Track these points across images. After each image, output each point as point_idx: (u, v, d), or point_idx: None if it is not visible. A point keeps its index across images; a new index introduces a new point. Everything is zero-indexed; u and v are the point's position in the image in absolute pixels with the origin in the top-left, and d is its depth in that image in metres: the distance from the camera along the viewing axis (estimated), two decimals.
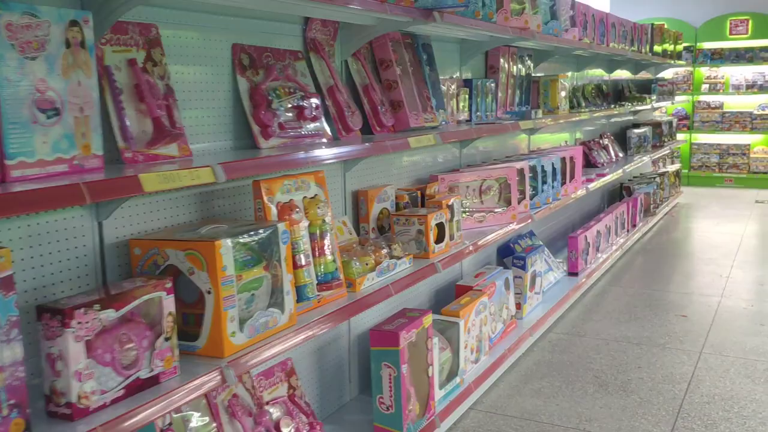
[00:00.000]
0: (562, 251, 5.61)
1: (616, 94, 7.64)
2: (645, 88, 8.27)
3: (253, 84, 2.47)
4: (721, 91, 11.05)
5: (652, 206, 7.57)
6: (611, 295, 5.35)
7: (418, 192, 3.43)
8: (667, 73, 10.94)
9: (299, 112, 2.59)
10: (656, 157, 7.71)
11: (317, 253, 2.37)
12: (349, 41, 2.98)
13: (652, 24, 7.69)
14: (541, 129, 5.20)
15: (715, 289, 5.43)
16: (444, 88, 3.74)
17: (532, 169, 4.24)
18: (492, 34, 3.71)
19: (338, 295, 2.44)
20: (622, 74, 8.07)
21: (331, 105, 2.80)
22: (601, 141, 6.98)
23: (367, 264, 2.66)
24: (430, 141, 2.88)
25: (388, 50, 3.19)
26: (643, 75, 8.98)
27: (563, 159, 4.72)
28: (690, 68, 11.20)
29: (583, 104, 6.12)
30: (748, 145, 10.83)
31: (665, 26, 8.76)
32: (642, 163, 7.20)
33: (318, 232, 2.37)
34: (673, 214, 8.61)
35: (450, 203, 3.26)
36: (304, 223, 2.32)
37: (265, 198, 2.21)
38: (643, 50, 7.14)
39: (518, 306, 4.26)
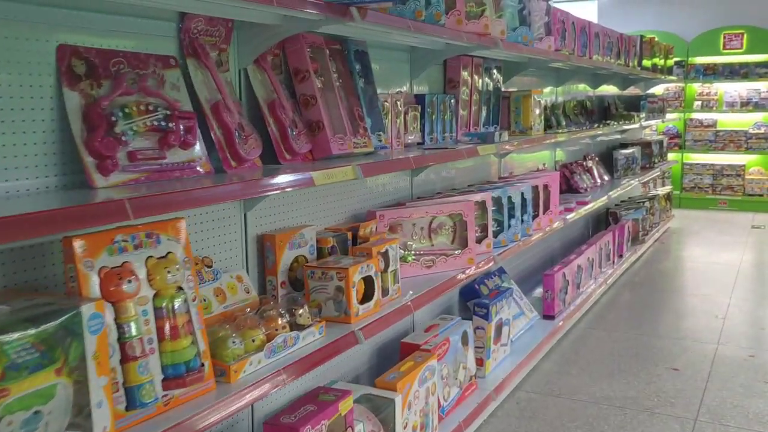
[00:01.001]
0: (539, 287, 4.94)
1: (602, 111, 7.02)
2: (633, 105, 7.66)
3: (89, 100, 1.81)
4: (714, 108, 10.46)
5: (640, 234, 6.93)
6: (592, 340, 4.69)
7: (349, 233, 2.77)
8: (658, 89, 10.35)
9: (162, 138, 1.93)
10: (645, 179, 7.09)
11: (167, 336, 1.70)
12: (249, 45, 2.33)
13: (641, 36, 7.09)
14: (517, 150, 4.56)
15: (711, 333, 4.78)
16: (387, 104, 3.09)
17: (497, 201, 3.59)
18: (443, 39, 3.08)
19: (199, 392, 1.77)
20: (609, 90, 7.46)
21: (215, 127, 2.14)
22: (585, 163, 6.35)
23: (253, 340, 1.99)
24: (346, 175, 2.22)
25: (304, 58, 2.53)
26: (632, 91, 8.38)
27: (536, 188, 4.07)
28: (681, 84, 10.61)
29: (564, 123, 5.49)
30: (743, 165, 10.23)
31: (656, 39, 8.17)
32: (630, 187, 6.57)
33: (168, 305, 1.71)
34: (663, 241, 7.98)
35: (383, 250, 2.60)
36: (147, 294, 1.65)
37: (80, 262, 1.55)
38: (630, 64, 6.54)
39: (480, 362, 3.60)
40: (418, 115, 3.45)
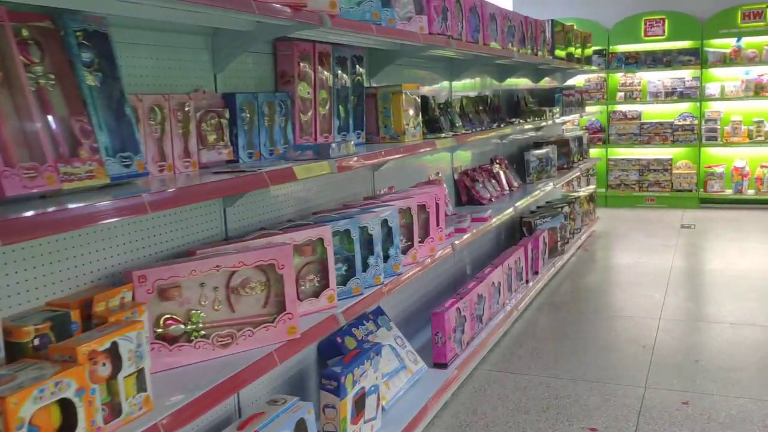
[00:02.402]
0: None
1: (512, 107, 6.19)
2: (548, 99, 6.86)
3: None
4: (638, 99, 9.81)
5: (559, 244, 6.13)
6: (496, 390, 3.81)
7: (76, 311, 1.79)
8: (578, 81, 9.65)
9: None
10: (561, 183, 6.29)
11: None
12: None
13: (553, 20, 6.29)
14: (405, 156, 3.65)
15: (638, 370, 3.97)
16: (140, 108, 2.12)
17: (342, 235, 2.66)
18: (243, 16, 2.13)
19: None
20: (520, 83, 6.65)
21: None
22: (491, 168, 5.50)
23: None
24: None
25: None
26: (550, 83, 7.60)
27: (407, 210, 3.16)
28: (603, 74, 9.93)
29: (459, 123, 4.60)
30: (670, 159, 9.61)
31: (574, 27, 7.40)
32: (542, 193, 5.74)
33: None
34: (587, 248, 7.22)
35: (105, 347, 1.62)
36: None
37: None
38: (540, 53, 5.71)
39: None
40: (226, 122, 2.48)
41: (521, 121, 5.22)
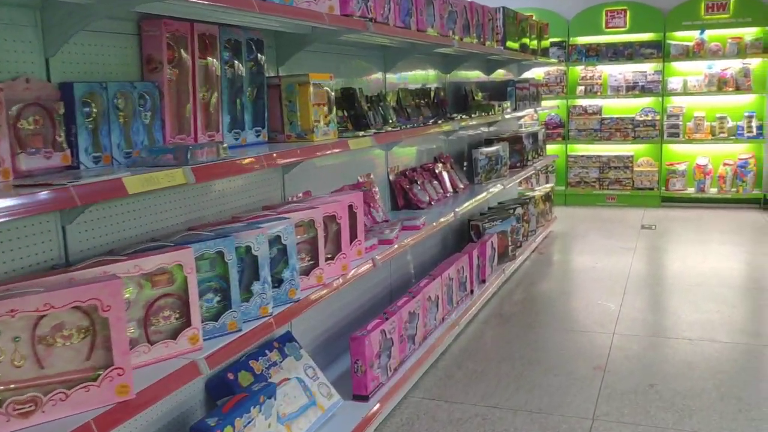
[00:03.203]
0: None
1: (459, 101, 5.73)
2: (500, 93, 6.42)
3: None
4: (598, 93, 9.43)
5: (510, 248, 5.69)
6: (424, 425, 3.35)
7: None
8: (538, 74, 9.24)
9: None
10: (512, 183, 5.83)
11: None
12: None
13: (504, 8, 5.82)
14: (328, 155, 3.17)
15: (586, 399, 3.53)
16: None
17: (214, 259, 2.16)
18: None
19: None
20: (471, 75, 6.19)
21: None
22: (434, 167, 5.02)
23: None
24: None
25: None
26: (506, 76, 7.16)
27: (310, 223, 2.66)
28: (563, 67, 9.53)
29: (393, 119, 4.13)
30: (631, 156, 9.25)
31: (533, 17, 6.96)
32: (491, 195, 5.29)
33: None
34: (542, 251, 6.80)
35: None
36: None
37: None
38: (488, 43, 5.25)
39: None
40: (60, 119, 1.97)
41: (464, 116, 4.75)
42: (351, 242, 3.06)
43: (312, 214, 2.64)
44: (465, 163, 5.85)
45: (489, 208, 6.24)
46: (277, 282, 2.44)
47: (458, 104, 5.67)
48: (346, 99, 3.74)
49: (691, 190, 8.98)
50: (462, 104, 5.70)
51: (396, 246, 3.43)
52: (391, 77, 4.50)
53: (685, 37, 8.96)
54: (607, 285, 5.55)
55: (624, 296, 5.24)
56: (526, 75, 8.00)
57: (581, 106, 9.50)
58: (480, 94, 5.86)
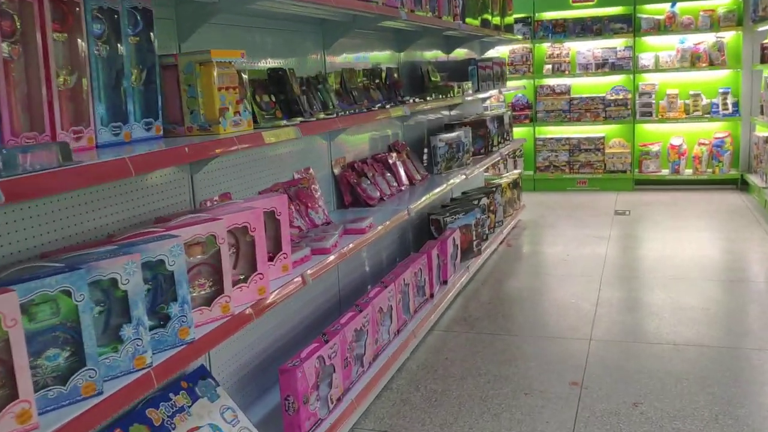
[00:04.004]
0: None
1: (416, 82, 5.18)
2: (461, 73, 5.89)
3: None
4: (566, 72, 8.94)
5: (475, 243, 5.18)
6: None
7: None
8: (503, 52, 8.72)
9: None
10: (475, 172, 5.31)
11: None
12: None
13: None
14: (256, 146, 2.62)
15: (561, 426, 3.04)
16: None
17: (57, 300, 1.59)
18: None
19: None
20: (428, 55, 5.64)
21: None
22: (389, 158, 4.48)
23: None
24: None
25: None
26: (468, 55, 6.62)
27: (214, 238, 2.11)
28: (529, 45, 9.02)
29: (334, 103, 3.57)
30: (603, 138, 8.79)
31: None
32: (451, 186, 4.77)
33: None
34: (510, 243, 6.32)
35: None
36: None
37: None
38: (444, 17, 4.70)
39: None
40: None
41: (417, 99, 4.21)
42: (275, 256, 2.52)
43: (213, 228, 2.09)
44: (426, 151, 5.32)
45: (452, 199, 5.73)
46: (163, 320, 1.88)
47: (414, 86, 5.13)
48: (275, 82, 3.17)
49: (665, 172, 8.57)
50: (419, 86, 5.16)
51: (334, 256, 2.89)
52: (334, 56, 3.94)
53: (656, 9, 8.50)
54: (580, 281, 5.07)
55: (599, 293, 4.77)
56: (490, 54, 7.47)
57: (549, 85, 9.01)
58: (438, 74, 5.31)
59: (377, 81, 4.40)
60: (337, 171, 3.92)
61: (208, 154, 2.11)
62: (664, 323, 4.18)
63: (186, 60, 2.33)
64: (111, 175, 1.67)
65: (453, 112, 6.20)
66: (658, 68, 8.49)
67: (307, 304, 3.48)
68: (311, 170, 3.60)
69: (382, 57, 4.69)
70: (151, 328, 1.87)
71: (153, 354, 1.84)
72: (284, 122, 2.67)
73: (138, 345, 1.75)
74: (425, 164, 5.12)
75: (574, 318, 4.34)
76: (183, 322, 1.91)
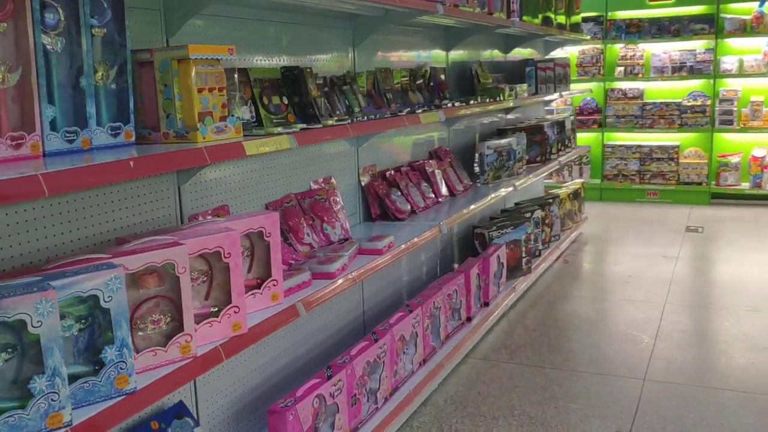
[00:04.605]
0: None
1: (464, 84, 4.78)
2: (518, 74, 5.45)
3: None
4: (640, 75, 8.34)
5: (524, 261, 4.75)
6: None
7: None
8: (571, 53, 8.19)
9: None
10: (526, 183, 4.85)
11: None
12: None
13: None
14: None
15: None
16: None
17: None
18: None
19: None
20: (485, 54, 5.23)
21: None
22: (427, 166, 4.10)
23: None
24: None
25: None
26: (532, 54, 6.17)
27: (174, 266, 1.79)
28: (599, 46, 8.46)
29: (359, 107, 3.22)
30: (677, 147, 8.16)
31: None
32: (496, 199, 4.35)
33: None
34: (567, 259, 5.83)
35: None
36: None
37: None
38: (496, 13, 4.28)
39: None
40: None
41: (457, 103, 3.82)
42: (263, 283, 2.19)
43: (172, 254, 1.77)
44: (476, 159, 4.90)
45: (502, 210, 5.30)
46: (95, 368, 1.58)
47: (463, 88, 4.73)
48: (290, 82, 2.85)
49: (745, 186, 7.86)
50: (468, 88, 4.75)
51: (341, 281, 2.54)
52: (366, 54, 3.59)
53: (742, 9, 7.81)
54: (640, 307, 4.57)
55: (660, 323, 4.27)
56: (556, 54, 6.98)
57: (620, 89, 8.43)
58: (489, 75, 4.89)
59: (419, 82, 4.03)
60: (365, 180, 3.57)
61: (165, 168, 1.79)
62: (734, 364, 3.67)
63: (162, 56, 2.02)
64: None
65: (510, 116, 5.77)
66: (741, 73, 7.80)
67: (316, 332, 3.14)
68: (333, 179, 3.26)
69: (427, 56, 4.31)
70: (83, 375, 1.57)
71: (80, 408, 1.53)
72: (279, 129, 2.33)
73: (53, 400, 1.44)
74: (476, 172, 4.69)
75: (629, 352, 3.86)
76: (121, 369, 1.60)
